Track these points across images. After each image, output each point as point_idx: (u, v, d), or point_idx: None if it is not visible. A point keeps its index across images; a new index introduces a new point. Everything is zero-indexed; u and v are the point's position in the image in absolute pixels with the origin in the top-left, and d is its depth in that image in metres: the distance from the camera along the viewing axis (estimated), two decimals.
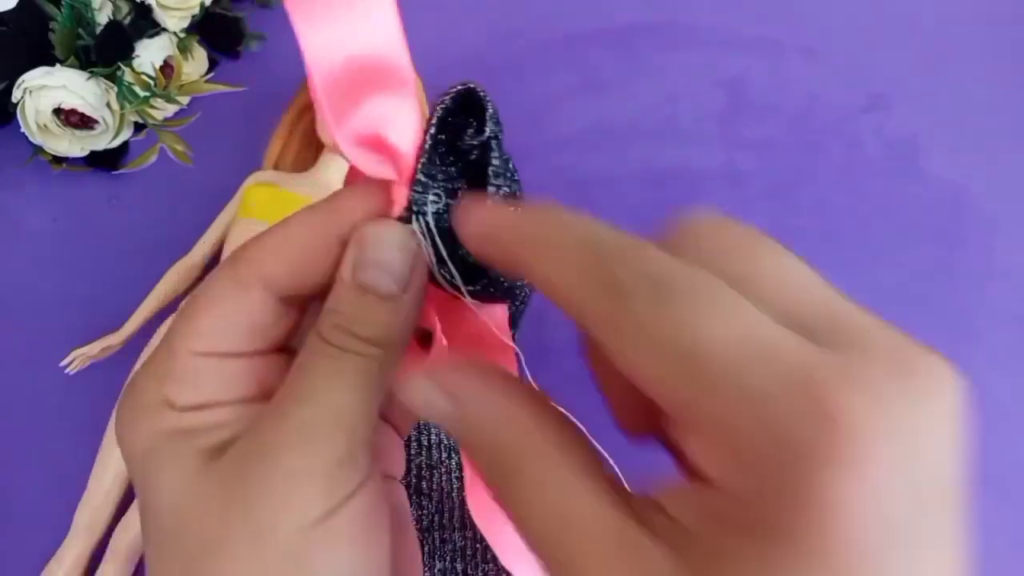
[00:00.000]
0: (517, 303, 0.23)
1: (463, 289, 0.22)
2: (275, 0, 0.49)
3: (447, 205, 0.22)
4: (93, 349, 0.39)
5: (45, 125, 0.42)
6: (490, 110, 0.22)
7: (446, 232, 0.21)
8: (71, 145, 0.43)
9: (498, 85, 0.48)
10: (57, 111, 0.42)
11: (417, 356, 0.24)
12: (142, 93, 0.42)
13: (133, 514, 0.36)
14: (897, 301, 0.42)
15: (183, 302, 0.22)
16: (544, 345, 0.40)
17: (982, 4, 0.49)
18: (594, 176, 0.45)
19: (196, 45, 0.46)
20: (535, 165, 0.45)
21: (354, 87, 0.20)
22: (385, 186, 0.22)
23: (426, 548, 0.36)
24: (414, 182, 0.21)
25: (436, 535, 0.36)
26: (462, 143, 0.22)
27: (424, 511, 0.37)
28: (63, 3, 0.41)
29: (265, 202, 0.40)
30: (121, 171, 0.45)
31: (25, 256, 0.43)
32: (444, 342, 0.22)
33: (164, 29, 0.44)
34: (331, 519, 0.19)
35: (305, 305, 0.23)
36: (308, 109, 0.44)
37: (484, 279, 0.22)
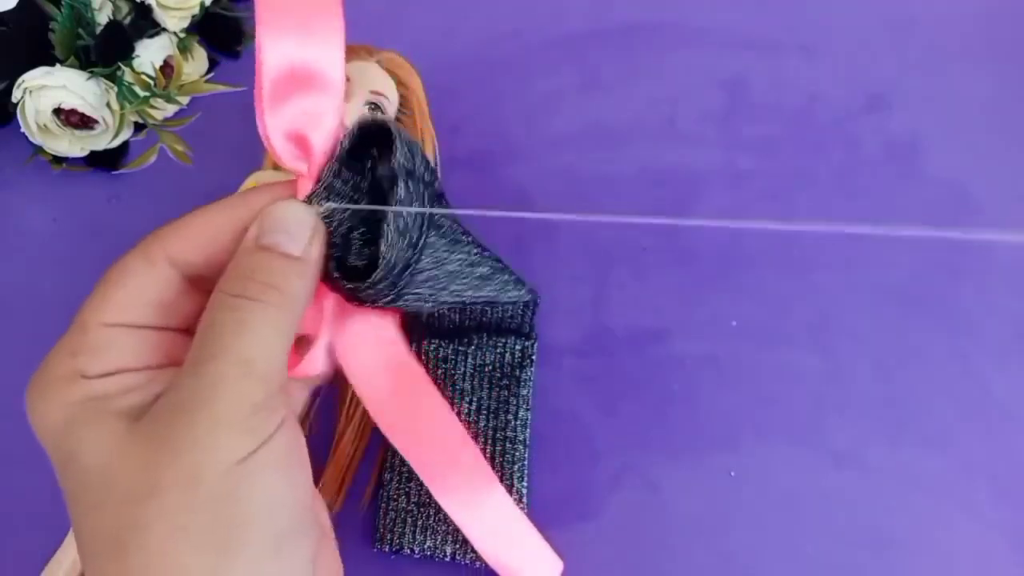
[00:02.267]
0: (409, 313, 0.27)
1: (341, 282, 0.25)
2: None
3: (344, 209, 0.25)
4: None
5: (45, 125, 0.42)
6: (402, 149, 0.25)
7: (335, 231, 0.25)
8: (71, 145, 0.43)
9: (498, 85, 0.48)
10: (57, 111, 0.42)
11: (295, 359, 0.26)
12: (142, 93, 0.42)
13: None
14: (897, 301, 0.42)
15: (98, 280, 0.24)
16: (544, 345, 0.40)
17: (982, 4, 0.49)
18: (594, 176, 0.45)
19: (196, 45, 0.46)
20: (535, 165, 0.45)
21: (291, 89, 0.24)
22: (289, 187, 0.25)
23: None
24: (319, 179, 0.25)
25: None
26: (372, 170, 0.26)
27: None
28: (63, 3, 0.41)
29: None
30: (121, 171, 0.45)
31: (25, 256, 0.43)
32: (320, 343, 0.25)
33: (164, 29, 0.44)
34: (253, 458, 0.21)
35: (206, 290, 0.24)
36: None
37: (359, 282, 0.24)
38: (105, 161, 0.45)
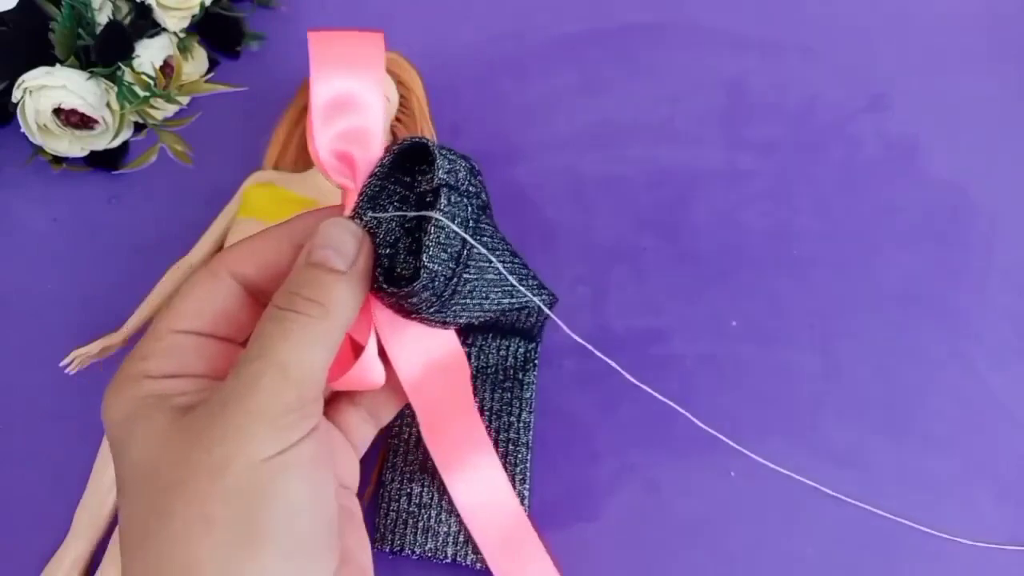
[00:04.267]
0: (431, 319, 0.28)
1: (387, 290, 0.26)
2: (275, 0, 0.49)
3: (389, 220, 0.27)
4: (93, 349, 0.39)
5: (45, 125, 0.42)
6: (442, 164, 0.27)
7: (381, 242, 0.27)
8: (71, 145, 0.43)
9: (498, 85, 0.48)
10: (57, 111, 0.42)
11: (347, 364, 0.27)
12: (142, 93, 0.42)
13: None
14: (897, 301, 0.42)
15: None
16: (545, 346, 0.40)
17: (982, 4, 0.49)
18: (594, 176, 0.45)
19: (196, 45, 0.46)
20: (535, 165, 0.45)
21: (337, 113, 0.27)
22: (334, 209, 0.28)
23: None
24: (363, 192, 0.27)
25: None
26: (418, 186, 0.27)
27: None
28: (63, 3, 0.41)
29: (265, 202, 0.40)
30: (121, 171, 0.45)
31: (25, 256, 0.43)
32: (372, 349, 0.27)
33: (164, 29, 0.44)
34: (280, 459, 0.22)
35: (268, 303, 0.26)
36: (308, 110, 0.44)
37: (398, 288, 0.26)
38: (105, 161, 0.45)
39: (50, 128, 0.43)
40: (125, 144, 0.45)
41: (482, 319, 0.30)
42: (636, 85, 0.47)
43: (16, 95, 0.42)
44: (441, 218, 0.26)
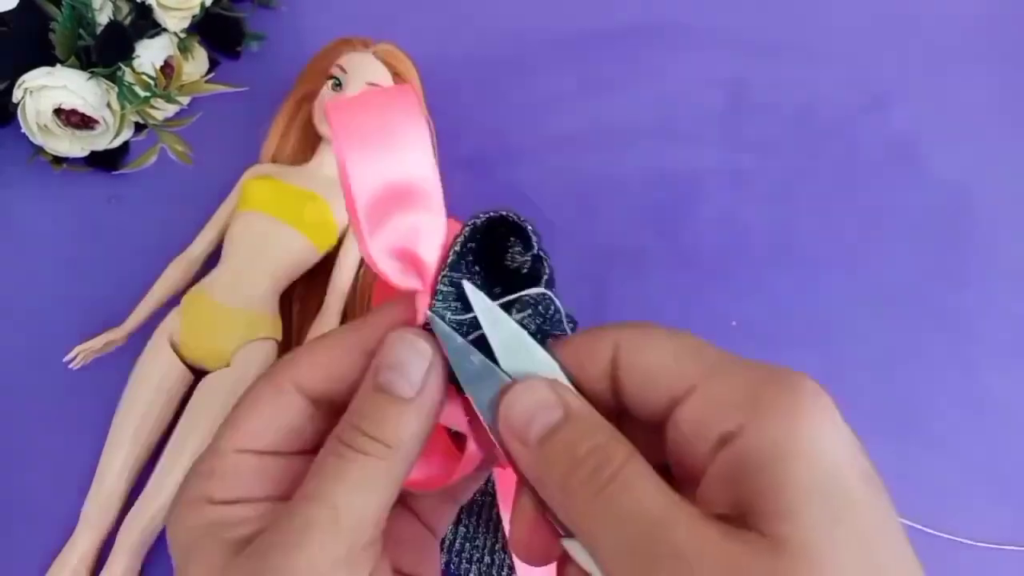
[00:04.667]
0: None
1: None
2: (275, 0, 0.50)
3: (471, 317, 0.23)
4: (96, 344, 0.39)
5: (45, 125, 0.42)
6: (530, 228, 0.23)
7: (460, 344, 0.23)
8: (71, 145, 0.43)
9: (498, 85, 0.48)
10: (58, 111, 0.42)
11: (451, 455, 0.25)
12: (142, 93, 0.42)
13: (141, 507, 0.36)
14: (897, 301, 0.42)
15: (230, 409, 0.24)
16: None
17: (982, 4, 0.49)
18: (594, 176, 0.45)
19: (196, 45, 0.46)
20: (535, 165, 0.45)
21: (389, 207, 0.23)
22: (409, 303, 0.23)
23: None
24: (435, 292, 0.23)
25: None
26: (509, 261, 0.24)
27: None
28: (64, 3, 0.41)
29: (264, 195, 0.40)
30: (121, 171, 0.45)
31: (25, 256, 0.43)
32: (474, 446, 0.24)
33: (164, 29, 0.45)
34: None
35: (337, 413, 0.24)
36: (306, 101, 0.44)
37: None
38: (105, 161, 0.45)
39: (50, 128, 0.43)
40: (125, 144, 0.45)
41: None
42: (636, 85, 0.47)
43: (17, 95, 0.42)
44: (549, 293, 0.23)
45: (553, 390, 0.22)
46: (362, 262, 0.42)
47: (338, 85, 0.42)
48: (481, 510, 0.37)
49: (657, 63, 0.48)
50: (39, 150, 0.44)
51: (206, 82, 0.46)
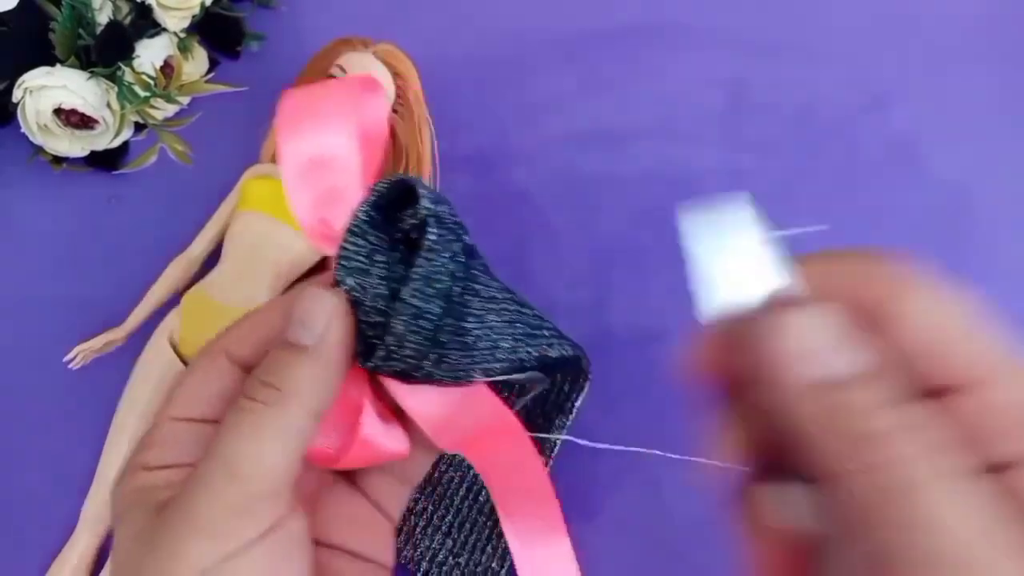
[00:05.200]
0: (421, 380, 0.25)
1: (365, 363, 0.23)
2: (275, 0, 0.49)
3: (376, 281, 0.24)
4: (96, 344, 0.39)
5: (45, 125, 0.42)
6: (427, 194, 0.24)
7: (370, 306, 0.23)
8: (71, 145, 0.43)
9: (498, 85, 0.48)
10: (57, 111, 0.42)
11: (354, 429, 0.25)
12: (142, 93, 0.42)
13: None
14: None
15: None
16: None
17: (982, 4, 0.49)
18: (594, 176, 0.45)
19: (196, 45, 0.46)
20: (535, 165, 0.45)
21: (313, 175, 0.26)
22: (330, 276, 0.25)
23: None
24: (339, 256, 0.24)
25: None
26: (403, 224, 0.24)
27: None
28: (63, 3, 0.41)
29: (264, 194, 0.40)
30: (121, 171, 0.45)
31: (25, 256, 0.43)
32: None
33: (164, 29, 0.45)
34: (227, 566, 0.20)
35: None
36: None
37: (380, 357, 0.23)
38: (105, 161, 0.45)
39: (50, 128, 0.43)
40: (125, 144, 0.45)
41: (500, 372, 0.26)
42: (636, 85, 0.47)
43: (17, 95, 0.42)
44: (435, 243, 0.23)
45: (847, 331, 0.18)
46: None
47: None
48: (473, 528, 0.37)
49: (657, 63, 0.48)
50: (39, 150, 0.44)
51: (206, 82, 0.46)
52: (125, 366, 0.39)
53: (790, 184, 0.44)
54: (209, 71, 0.47)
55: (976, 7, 0.49)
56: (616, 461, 0.38)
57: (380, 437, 0.25)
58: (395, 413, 0.26)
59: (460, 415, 0.26)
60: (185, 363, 0.39)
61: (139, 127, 0.45)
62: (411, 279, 0.23)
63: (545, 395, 0.37)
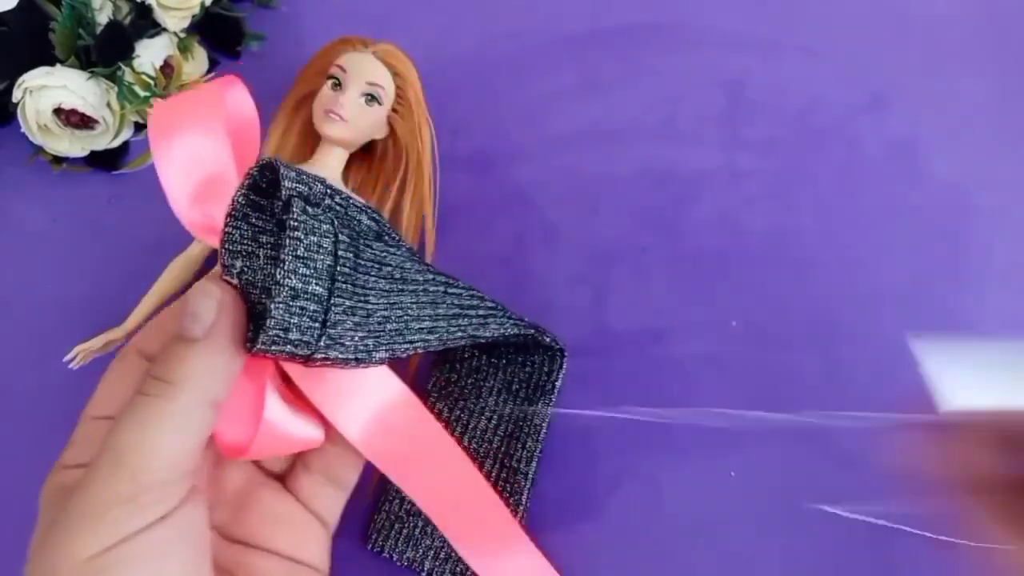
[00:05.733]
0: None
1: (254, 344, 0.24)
2: (275, 0, 0.49)
3: (259, 266, 0.24)
4: (95, 344, 0.39)
5: (45, 125, 0.42)
6: (290, 174, 0.24)
7: (251, 288, 0.24)
8: (71, 145, 0.43)
9: (498, 85, 0.48)
10: (57, 111, 0.42)
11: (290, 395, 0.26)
12: (142, 93, 0.42)
13: None
14: (897, 301, 0.42)
15: None
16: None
17: (982, 4, 0.49)
18: (594, 176, 0.45)
19: (196, 45, 0.46)
20: (535, 165, 0.45)
21: (187, 175, 0.27)
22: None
23: None
24: (222, 243, 0.24)
25: None
26: (275, 208, 0.25)
27: None
28: (63, 3, 0.41)
29: None
30: (121, 171, 0.45)
31: (25, 256, 0.43)
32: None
33: (164, 29, 0.45)
34: (111, 554, 0.20)
35: None
36: (306, 101, 0.44)
37: (264, 341, 0.23)
38: (105, 161, 0.45)
39: (50, 128, 0.43)
40: (125, 144, 0.45)
41: (407, 352, 0.26)
42: (636, 85, 0.47)
43: (16, 95, 0.42)
44: (300, 222, 0.23)
45: None
46: None
47: (337, 85, 0.42)
48: None
49: (656, 63, 0.48)
50: (39, 150, 0.44)
51: (206, 82, 0.46)
52: None
53: (790, 184, 0.44)
54: (209, 71, 0.47)
55: (976, 8, 0.49)
56: (616, 461, 0.39)
57: (288, 424, 0.25)
58: (307, 401, 0.26)
59: (364, 405, 0.26)
60: None
61: (139, 127, 0.45)
62: (281, 260, 0.23)
63: (527, 377, 0.38)
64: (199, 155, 0.26)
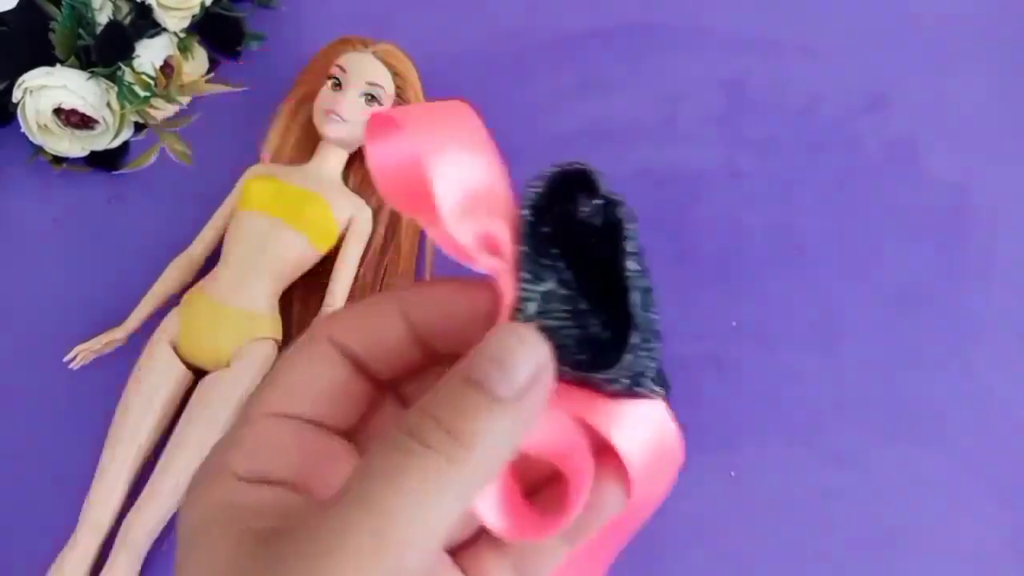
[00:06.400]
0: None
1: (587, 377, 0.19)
2: (275, 0, 0.49)
3: (557, 302, 0.20)
4: (96, 343, 0.39)
5: (45, 125, 0.42)
6: (603, 184, 0.21)
7: (552, 332, 0.19)
8: (71, 145, 0.43)
9: (498, 85, 0.48)
10: (57, 111, 0.42)
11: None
12: (142, 93, 0.42)
13: (140, 506, 0.36)
14: (897, 301, 0.42)
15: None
16: None
17: (982, 4, 0.49)
18: None
19: (196, 45, 0.46)
20: (535, 165, 0.45)
21: (469, 207, 0.21)
22: (488, 286, 0.21)
23: None
24: (519, 274, 0.20)
25: None
26: (577, 220, 0.21)
27: None
28: (63, 3, 0.41)
29: (264, 195, 0.40)
30: (121, 171, 0.45)
31: (25, 256, 0.43)
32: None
33: (164, 29, 0.45)
34: None
35: (380, 395, 0.21)
36: (306, 101, 0.44)
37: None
38: (105, 161, 0.45)
39: (50, 128, 0.43)
40: (125, 144, 0.45)
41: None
42: (636, 85, 0.47)
43: (16, 95, 0.42)
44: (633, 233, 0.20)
45: None
46: (362, 262, 0.42)
47: (337, 85, 0.42)
48: None
49: (657, 63, 0.48)
50: (39, 150, 0.44)
51: (206, 82, 0.46)
52: (125, 366, 0.39)
53: (790, 184, 0.44)
54: (209, 71, 0.47)
55: (976, 7, 0.49)
56: None
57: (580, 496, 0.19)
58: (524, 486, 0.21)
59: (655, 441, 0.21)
60: (186, 364, 0.39)
61: (139, 127, 0.45)
62: (630, 253, 0.20)
63: None
64: (470, 171, 0.22)
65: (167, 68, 0.44)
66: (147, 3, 0.43)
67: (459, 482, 0.17)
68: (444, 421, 0.17)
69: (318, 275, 0.41)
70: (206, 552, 0.18)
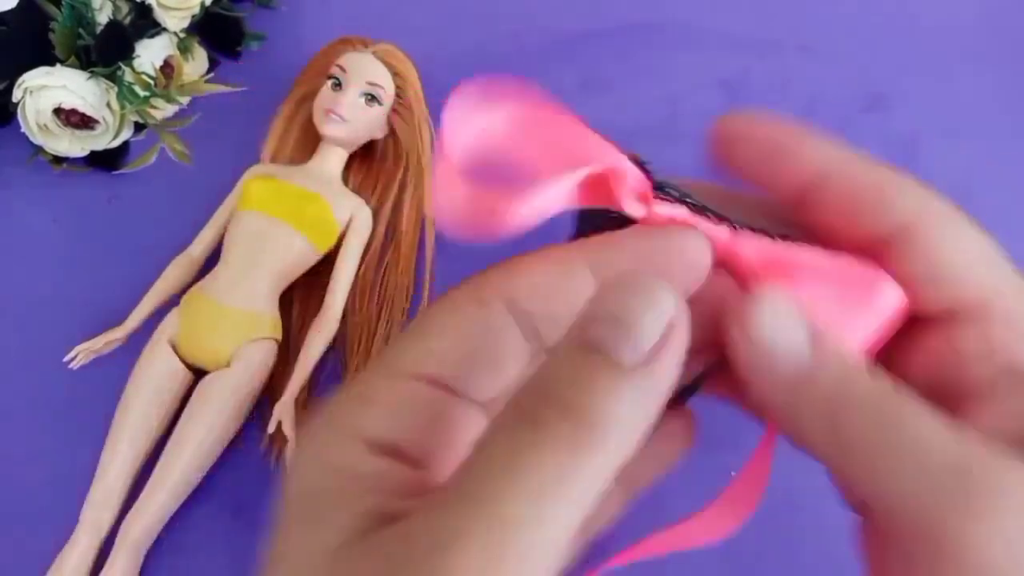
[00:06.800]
0: None
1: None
2: (275, 0, 0.50)
3: None
4: (96, 343, 0.39)
5: (45, 125, 0.42)
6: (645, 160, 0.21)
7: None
8: (71, 145, 0.43)
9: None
10: (57, 111, 0.42)
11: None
12: (142, 93, 0.42)
13: (141, 506, 0.36)
14: None
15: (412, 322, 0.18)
16: None
17: (982, 4, 0.49)
18: None
19: (196, 45, 0.46)
20: None
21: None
22: (673, 229, 0.19)
23: None
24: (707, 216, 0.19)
25: None
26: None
27: None
28: (63, 3, 0.41)
29: (264, 195, 0.40)
30: (121, 171, 0.45)
31: (25, 256, 0.43)
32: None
33: (164, 29, 0.45)
34: None
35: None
36: (306, 101, 0.44)
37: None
38: (105, 161, 0.45)
39: (50, 128, 0.43)
40: (125, 144, 0.45)
41: None
42: (636, 85, 0.47)
43: (16, 95, 0.42)
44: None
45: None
46: (362, 261, 0.42)
47: (337, 85, 0.42)
48: None
49: (656, 63, 0.48)
50: (39, 150, 0.44)
51: (206, 82, 0.46)
52: (125, 366, 0.39)
53: None
54: (209, 71, 0.47)
55: (976, 7, 0.49)
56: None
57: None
58: None
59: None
60: (186, 364, 0.39)
61: (139, 127, 0.45)
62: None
63: None
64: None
65: (167, 68, 0.44)
66: (147, 3, 0.44)
67: (578, 465, 0.14)
68: (558, 399, 0.14)
69: (318, 275, 0.41)
70: (316, 526, 0.15)
